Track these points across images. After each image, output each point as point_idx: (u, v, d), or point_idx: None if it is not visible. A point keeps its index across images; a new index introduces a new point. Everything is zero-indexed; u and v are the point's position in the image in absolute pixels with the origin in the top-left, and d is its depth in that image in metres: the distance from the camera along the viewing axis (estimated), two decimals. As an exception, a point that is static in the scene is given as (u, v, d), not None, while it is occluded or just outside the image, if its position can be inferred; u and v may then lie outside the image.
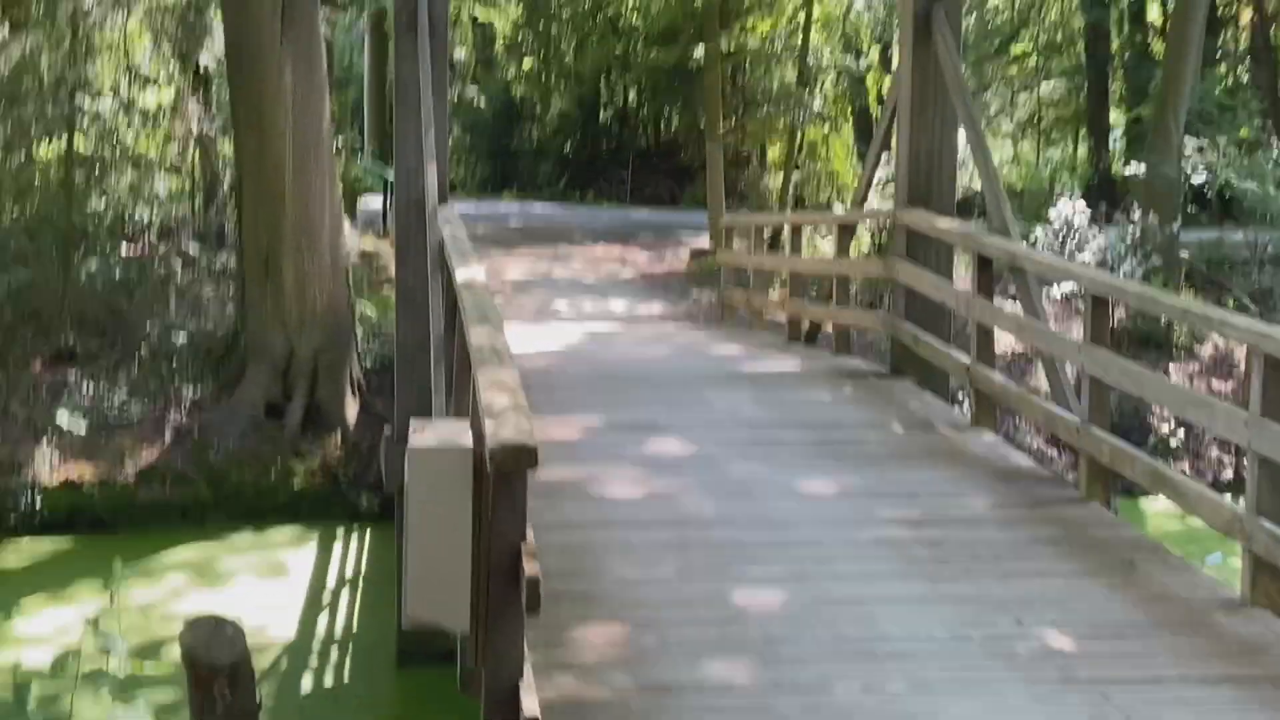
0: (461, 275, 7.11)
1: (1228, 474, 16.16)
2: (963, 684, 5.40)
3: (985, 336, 9.18)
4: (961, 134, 10.61)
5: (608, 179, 37.85)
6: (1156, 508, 13.03)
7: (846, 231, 12.09)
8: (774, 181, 28.82)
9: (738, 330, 15.09)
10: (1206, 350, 18.09)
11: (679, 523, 7.27)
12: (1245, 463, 5.86)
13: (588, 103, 39.22)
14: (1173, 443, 15.98)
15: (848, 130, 34.58)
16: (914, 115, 10.36)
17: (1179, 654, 5.68)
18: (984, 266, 9.11)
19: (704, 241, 25.28)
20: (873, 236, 19.62)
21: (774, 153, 37.28)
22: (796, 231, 13.55)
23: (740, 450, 8.66)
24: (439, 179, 9.21)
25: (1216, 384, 17.58)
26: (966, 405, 9.95)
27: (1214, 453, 16.52)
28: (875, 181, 12.57)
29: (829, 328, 12.87)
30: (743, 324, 16.31)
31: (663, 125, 39.59)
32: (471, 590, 4.36)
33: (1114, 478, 7.68)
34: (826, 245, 19.94)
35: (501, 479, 4.33)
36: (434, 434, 4.41)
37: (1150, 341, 18.01)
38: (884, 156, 12.43)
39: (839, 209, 21.45)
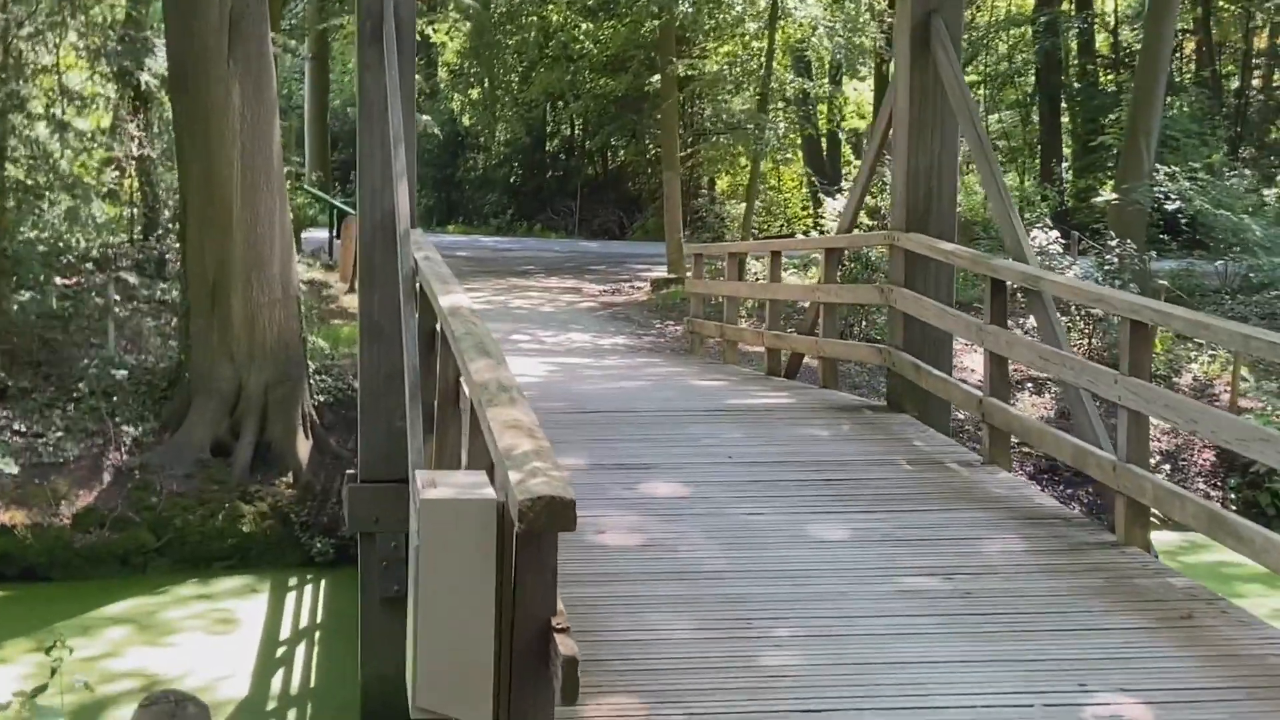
0: (446, 302, 6.39)
1: (1234, 508, 15.66)
2: (1038, 763, 4.73)
3: (999, 367, 8.56)
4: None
5: (555, 210, 37.24)
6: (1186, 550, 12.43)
7: (833, 256, 11.45)
8: (733, 210, 28.21)
9: (711, 362, 14.43)
10: (1185, 380, 17.64)
11: (686, 575, 6.57)
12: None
13: (535, 132, 38.62)
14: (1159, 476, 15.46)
15: (797, 159, 34.21)
16: (912, 132, 9.75)
17: (1271, 724, 5.04)
18: (997, 291, 8.49)
19: (661, 272, 24.72)
20: (841, 264, 19.03)
21: (723, 183, 36.86)
22: (776, 258, 12.89)
23: (740, 491, 7.98)
24: (410, 200, 8.47)
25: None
26: (976, 440, 9.28)
27: (1200, 485, 16.05)
28: (849, 207, 11.93)
29: (811, 360, 12.22)
30: (714, 356, 15.66)
31: (610, 155, 39.08)
32: (495, 674, 3.63)
33: (1150, 520, 7.07)
34: (791, 277, 19.36)
35: (530, 539, 3.61)
36: (449, 486, 3.68)
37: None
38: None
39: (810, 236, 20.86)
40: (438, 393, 6.64)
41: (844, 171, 31.46)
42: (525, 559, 3.68)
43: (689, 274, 22.48)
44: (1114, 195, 19.54)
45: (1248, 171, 21.14)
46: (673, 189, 25.38)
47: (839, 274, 19.27)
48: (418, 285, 7.80)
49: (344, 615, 11.94)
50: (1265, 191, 20.50)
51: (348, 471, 9.92)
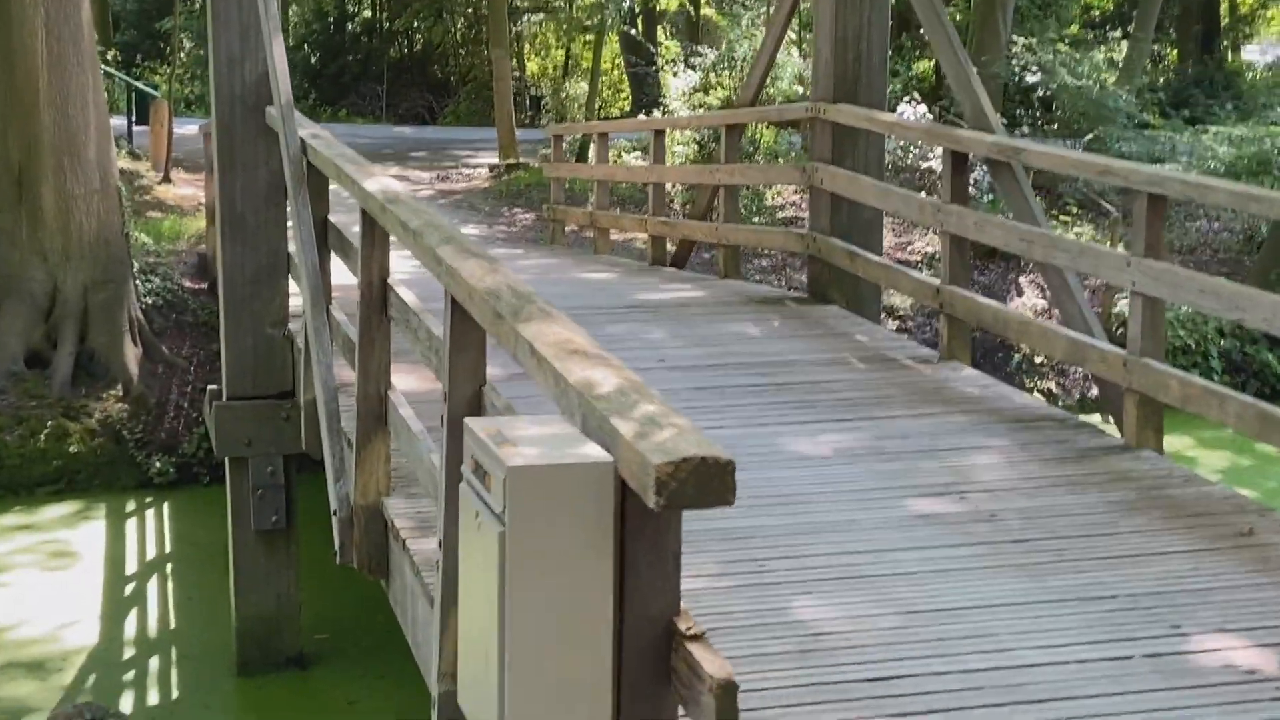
0: (374, 186, 5.20)
1: (1094, 392, 15.32)
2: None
3: (960, 252, 7.69)
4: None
5: (360, 94, 35.32)
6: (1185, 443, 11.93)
7: (734, 133, 10.42)
8: (573, 90, 26.89)
9: (581, 253, 13.33)
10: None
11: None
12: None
13: (333, 12, 36.50)
14: (1037, 359, 15.03)
15: (613, 40, 32.94)
16: (839, -10, 8.72)
17: None
18: (958, 166, 7.59)
19: (489, 158, 23.39)
20: (700, 144, 18.05)
21: (534, 65, 35.36)
22: (660, 138, 11.80)
23: (687, 402, 6.97)
24: (283, 64, 7.12)
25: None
26: (909, 331, 8.43)
27: (1077, 371, 15.66)
28: (752, 79, 10.89)
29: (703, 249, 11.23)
30: (576, 245, 14.56)
31: (414, 37, 37.16)
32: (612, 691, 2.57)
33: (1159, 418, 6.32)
34: (631, 159, 18.31)
35: (654, 515, 2.55)
36: (532, 443, 2.58)
37: (997, 252, 17.03)
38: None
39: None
40: (361, 298, 5.45)
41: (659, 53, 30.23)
42: (641, 542, 2.62)
43: (543, 156, 21.31)
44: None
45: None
46: (502, 69, 23.97)
47: (701, 155, 18.33)
48: (311, 167, 6.55)
49: (199, 545, 10.65)
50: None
51: (209, 387, 8.60)
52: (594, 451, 2.55)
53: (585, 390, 2.79)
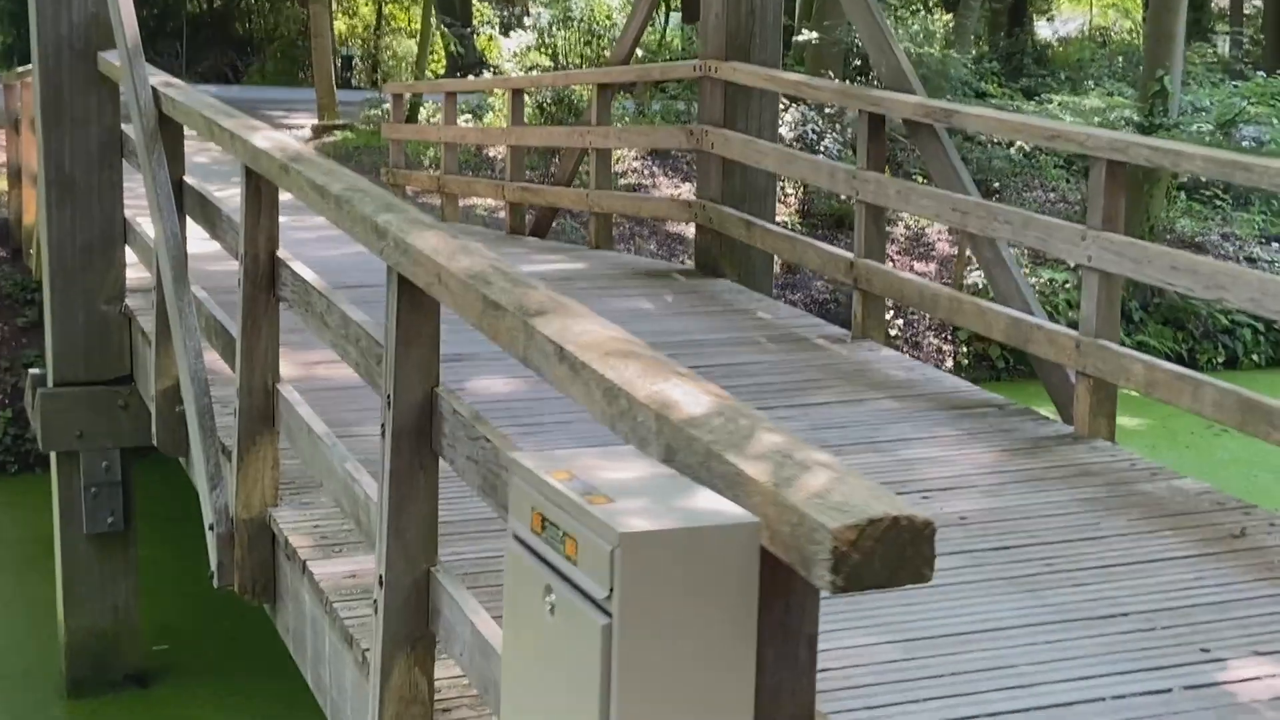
0: (264, 142, 4.34)
1: (948, 364, 15.08)
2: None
3: (877, 223, 7.12)
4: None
5: (157, 51, 33.44)
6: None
7: (606, 93, 9.68)
8: (398, 47, 25.73)
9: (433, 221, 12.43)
10: (899, 231, 16.90)
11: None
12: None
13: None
14: (892, 331, 14.69)
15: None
16: (732, -62, 8.05)
17: None
18: (875, 130, 7.01)
19: (304, 119, 22.17)
20: (541, 108, 17.26)
21: (341, 24, 33.91)
22: (518, 97, 11.00)
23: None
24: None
25: (918, 265, 16.45)
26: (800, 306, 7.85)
27: (931, 340, 15.39)
28: (626, 36, 10.18)
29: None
30: (423, 211, 13.64)
31: (216, -9, 35.34)
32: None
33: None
34: (461, 122, 17.42)
35: (796, 591, 1.86)
36: (632, 493, 1.84)
37: (844, 223, 16.69)
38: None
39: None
40: (244, 276, 4.60)
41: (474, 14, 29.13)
42: (768, 625, 1.91)
43: (366, 118, 20.22)
44: (814, 34, 18.45)
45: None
46: (320, 24, 22.79)
47: (541, 118, 17.51)
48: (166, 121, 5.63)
49: (9, 544, 9.56)
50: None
51: (32, 371, 7.56)
52: (725, 507, 1.83)
53: (667, 412, 2.07)
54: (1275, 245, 17.46)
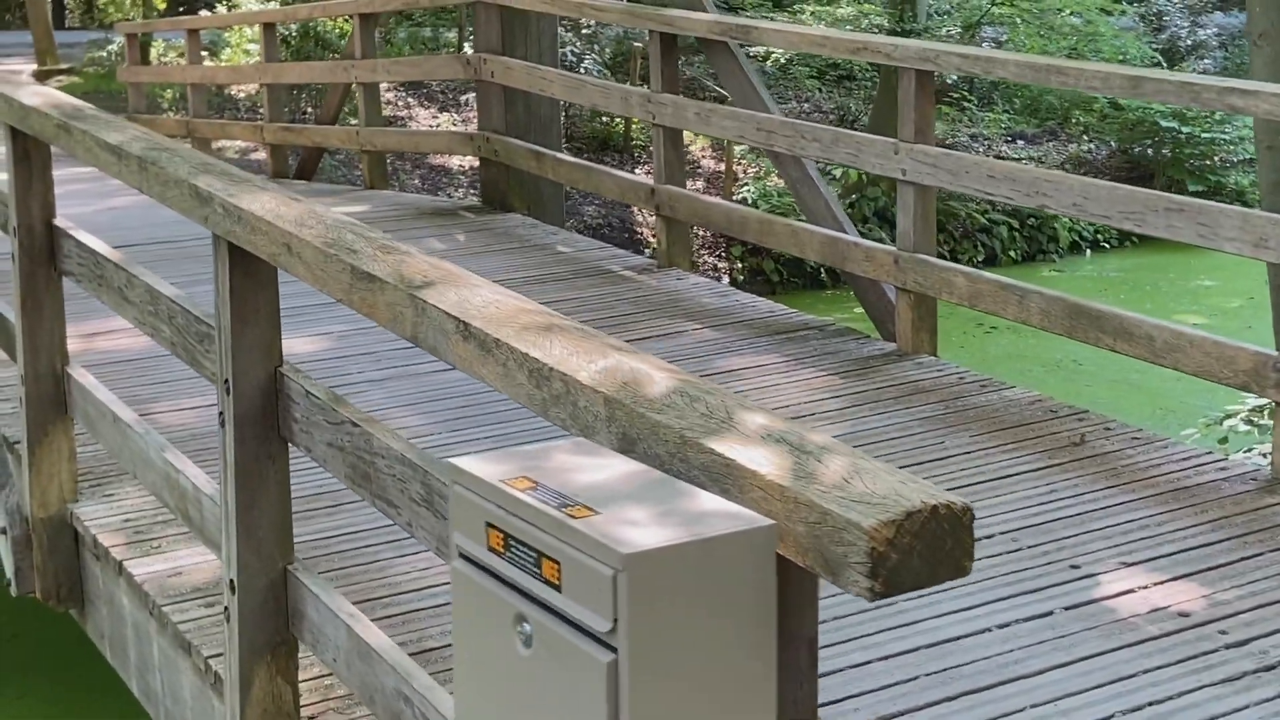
0: (34, 99, 3.85)
1: (725, 280, 15.06)
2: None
3: (676, 148, 6.90)
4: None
5: None
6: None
7: (369, 24, 9.17)
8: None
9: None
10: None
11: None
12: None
13: None
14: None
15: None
16: None
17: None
18: (668, 51, 6.77)
19: (20, 64, 20.72)
20: (286, 42, 16.43)
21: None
22: (270, 31, 10.37)
23: (397, 340, 5.92)
24: None
25: (689, 183, 16.35)
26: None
27: (706, 258, 15.33)
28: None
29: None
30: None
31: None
32: None
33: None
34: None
35: (799, 590, 1.63)
36: (620, 501, 1.56)
37: (608, 146, 16.48)
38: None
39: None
40: (17, 249, 4.10)
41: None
42: (790, 631, 1.68)
43: (91, 59, 18.98)
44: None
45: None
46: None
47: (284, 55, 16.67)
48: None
49: None
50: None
51: None
52: (729, 509, 1.57)
53: (619, 394, 1.80)
54: (1020, 143, 17.97)
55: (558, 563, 1.53)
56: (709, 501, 1.59)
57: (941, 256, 15.33)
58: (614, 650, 1.48)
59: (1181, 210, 4.69)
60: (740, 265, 15.26)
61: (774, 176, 14.34)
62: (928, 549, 1.51)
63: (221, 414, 2.94)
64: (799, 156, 6.34)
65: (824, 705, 3.30)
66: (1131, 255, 15.95)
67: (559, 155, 7.71)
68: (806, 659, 1.74)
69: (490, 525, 1.63)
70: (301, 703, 3.19)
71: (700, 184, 16.55)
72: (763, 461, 1.62)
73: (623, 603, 1.46)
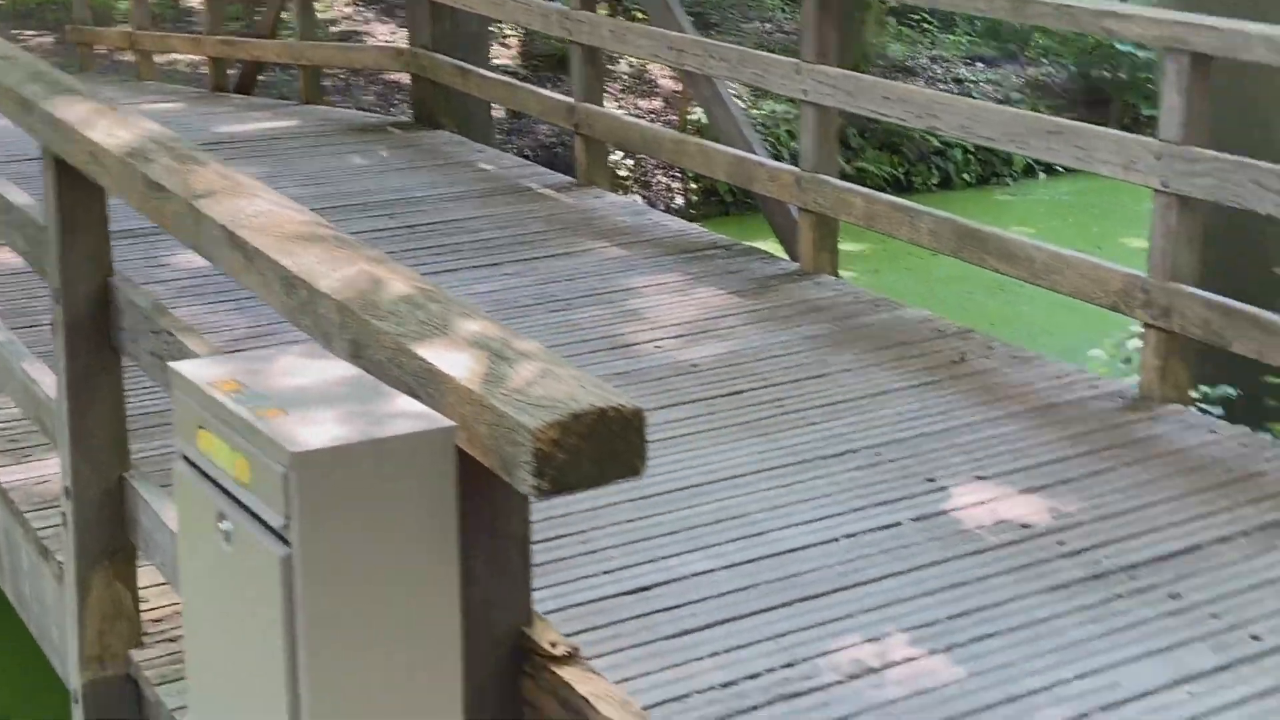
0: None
1: (679, 201, 15.07)
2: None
3: (594, 66, 6.92)
4: None
5: None
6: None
7: (302, -62, 9.10)
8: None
9: (126, 80, 11.65)
10: (622, 68, 16.69)
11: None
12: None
13: None
14: (621, 172, 14.57)
15: None
16: None
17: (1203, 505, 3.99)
18: (585, -33, 6.76)
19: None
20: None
21: None
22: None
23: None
24: None
25: (643, 103, 16.31)
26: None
27: (660, 179, 15.34)
28: None
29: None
30: (114, 71, 12.79)
31: None
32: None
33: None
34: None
35: (503, 493, 1.71)
36: (310, 402, 1.63)
37: (567, 65, 16.38)
38: None
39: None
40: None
41: None
42: (475, 530, 1.77)
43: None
44: None
45: None
46: None
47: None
48: None
49: None
50: None
51: None
52: (414, 410, 1.64)
53: (351, 302, 1.87)
54: (979, 65, 17.92)
55: (247, 460, 1.60)
56: (403, 404, 1.67)
57: (896, 180, 15.41)
58: (289, 544, 1.56)
59: (1060, 133, 4.75)
60: (694, 185, 15.28)
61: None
62: (597, 450, 1.59)
63: (53, 322, 3.01)
64: (710, 76, 6.37)
65: (661, 611, 3.44)
66: (1083, 179, 15.97)
67: (484, 72, 7.72)
68: (519, 558, 1.82)
69: (200, 427, 1.71)
70: (148, 606, 3.29)
71: (659, 103, 16.52)
72: (461, 367, 1.69)
73: (294, 499, 1.54)
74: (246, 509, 1.63)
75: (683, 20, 6.57)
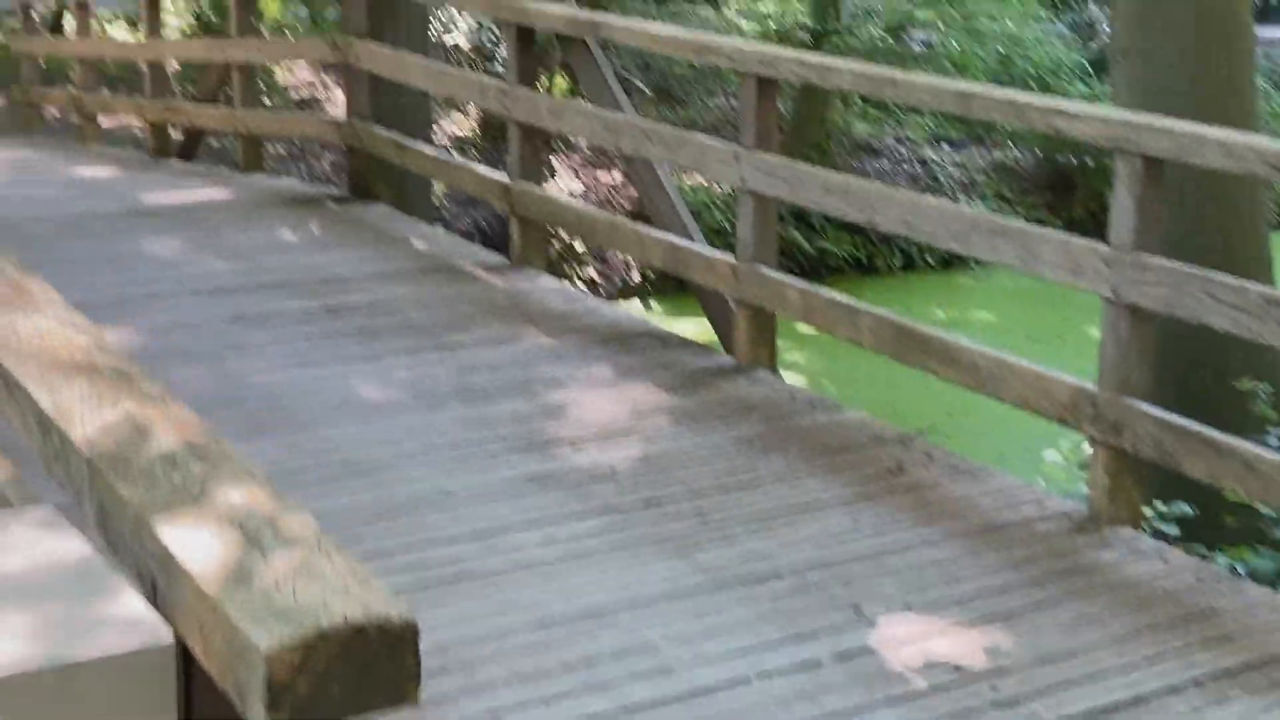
0: None
1: (636, 277, 14.81)
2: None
3: (531, 143, 6.65)
4: None
5: None
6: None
7: (246, 3, 8.85)
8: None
9: (67, 144, 11.36)
10: (583, 142, 16.47)
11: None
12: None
13: None
14: (578, 248, 14.31)
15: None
16: None
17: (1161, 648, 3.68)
18: (525, 43, 6.51)
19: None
20: (199, 17, 16.07)
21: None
22: (155, 6, 10.04)
23: (225, 337, 5.69)
24: None
25: (602, 176, 16.09)
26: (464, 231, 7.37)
27: (618, 253, 15.07)
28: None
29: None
30: (62, 133, 12.51)
31: None
32: None
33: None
34: (119, 32, 16.15)
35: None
36: (29, 607, 1.31)
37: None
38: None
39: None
40: None
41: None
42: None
43: (11, 29, 18.48)
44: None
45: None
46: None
47: (201, 27, 16.28)
48: None
49: None
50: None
51: None
52: (133, 613, 1.32)
53: (100, 459, 1.55)
54: (945, 146, 17.80)
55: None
56: (126, 606, 1.34)
57: (859, 261, 15.16)
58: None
59: (1004, 233, 4.48)
60: (653, 261, 15.01)
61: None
62: (352, 675, 1.27)
63: None
64: (647, 159, 6.10)
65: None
66: (1048, 264, 15.79)
67: (421, 147, 7.43)
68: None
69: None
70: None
71: (619, 177, 16.30)
72: (204, 556, 1.37)
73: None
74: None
75: (621, 99, 6.31)
